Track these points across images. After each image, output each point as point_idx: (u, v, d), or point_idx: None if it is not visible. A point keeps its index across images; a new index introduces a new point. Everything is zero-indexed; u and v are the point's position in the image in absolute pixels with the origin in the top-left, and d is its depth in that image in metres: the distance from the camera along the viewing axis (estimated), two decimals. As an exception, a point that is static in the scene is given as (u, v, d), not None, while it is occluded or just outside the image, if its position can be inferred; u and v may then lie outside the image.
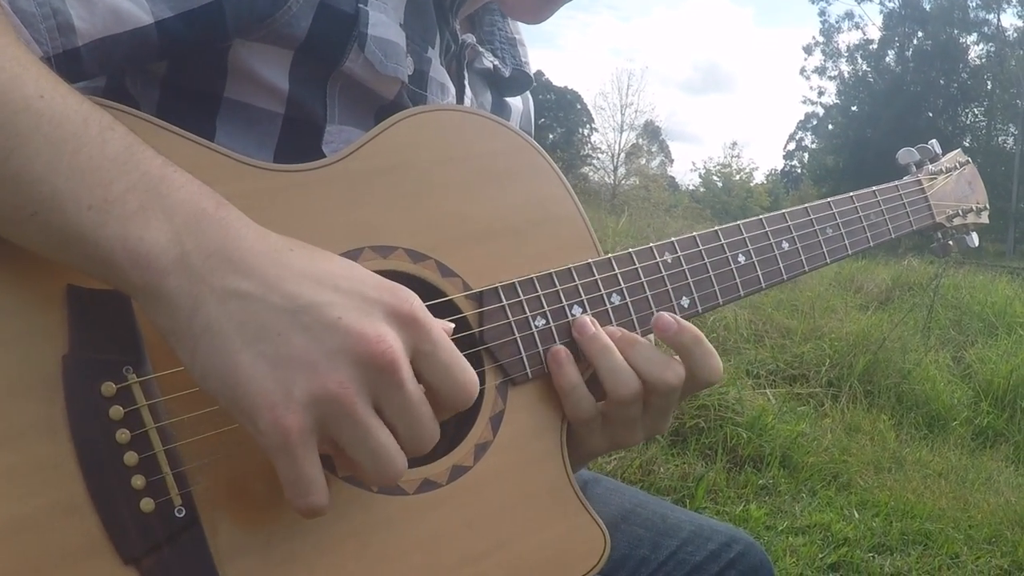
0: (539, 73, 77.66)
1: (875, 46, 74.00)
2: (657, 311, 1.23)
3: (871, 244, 1.58)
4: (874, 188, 1.61)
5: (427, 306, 1.01)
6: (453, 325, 0.99)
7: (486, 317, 1.14)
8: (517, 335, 1.15)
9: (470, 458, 1.11)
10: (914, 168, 1.78)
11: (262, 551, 0.96)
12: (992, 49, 68.26)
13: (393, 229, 1.10)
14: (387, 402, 0.88)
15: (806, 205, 1.48)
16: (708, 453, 5.34)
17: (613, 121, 75.83)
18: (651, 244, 1.28)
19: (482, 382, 1.12)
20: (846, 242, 1.51)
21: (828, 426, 6.30)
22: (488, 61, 1.51)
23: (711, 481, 4.98)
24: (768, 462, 5.37)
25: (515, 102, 1.63)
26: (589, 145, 78.57)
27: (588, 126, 79.48)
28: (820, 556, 4.37)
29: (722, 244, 1.35)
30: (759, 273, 1.38)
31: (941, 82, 70.22)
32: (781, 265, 1.41)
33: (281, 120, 1.21)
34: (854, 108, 74.27)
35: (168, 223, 0.85)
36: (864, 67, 74.90)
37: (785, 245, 1.42)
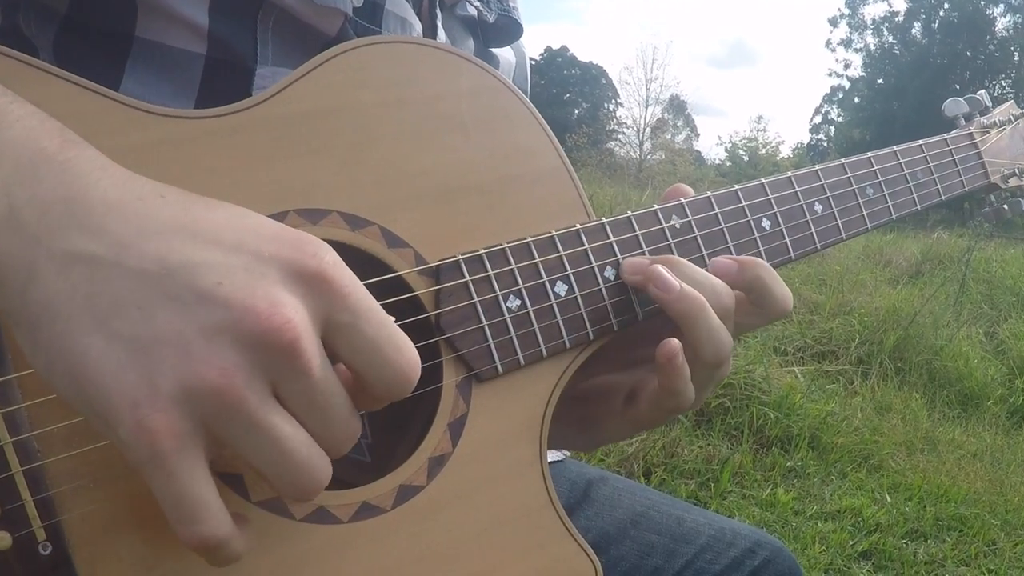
0: (563, 48, 78.74)
1: (901, 18, 73.78)
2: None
3: (918, 207, 1.35)
4: (920, 142, 1.39)
5: (370, 284, 0.80)
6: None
7: (444, 297, 0.92)
8: (484, 320, 0.94)
9: (422, 475, 0.89)
10: (962, 121, 1.56)
11: (154, 597, 0.75)
12: (1020, 20, 67.88)
13: (326, 188, 0.89)
14: (289, 392, 0.66)
15: (842, 161, 1.26)
16: (734, 434, 5.19)
17: (638, 96, 76.01)
18: (655, 206, 1.06)
19: (439, 379, 0.91)
20: (889, 204, 1.29)
21: (858, 405, 6.14)
22: (472, 6, 1.29)
23: (737, 464, 4.81)
24: (796, 443, 5.21)
25: (504, 53, 1.41)
26: (615, 120, 78.83)
27: (613, 101, 79.88)
28: (851, 543, 4.23)
29: (743, 207, 1.13)
30: (787, 241, 1.16)
31: (968, 54, 69.87)
32: (814, 231, 1.19)
33: (203, 62, 1.00)
34: (880, 81, 74.09)
35: None
36: (890, 39, 74.68)
37: (818, 208, 1.20)
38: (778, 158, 73.32)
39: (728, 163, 75.77)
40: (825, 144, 77.80)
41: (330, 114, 0.91)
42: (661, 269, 0.99)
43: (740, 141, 76.85)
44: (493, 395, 0.94)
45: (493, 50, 1.37)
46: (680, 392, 1.00)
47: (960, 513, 4.68)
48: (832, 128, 79.40)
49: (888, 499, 4.77)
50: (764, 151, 74.32)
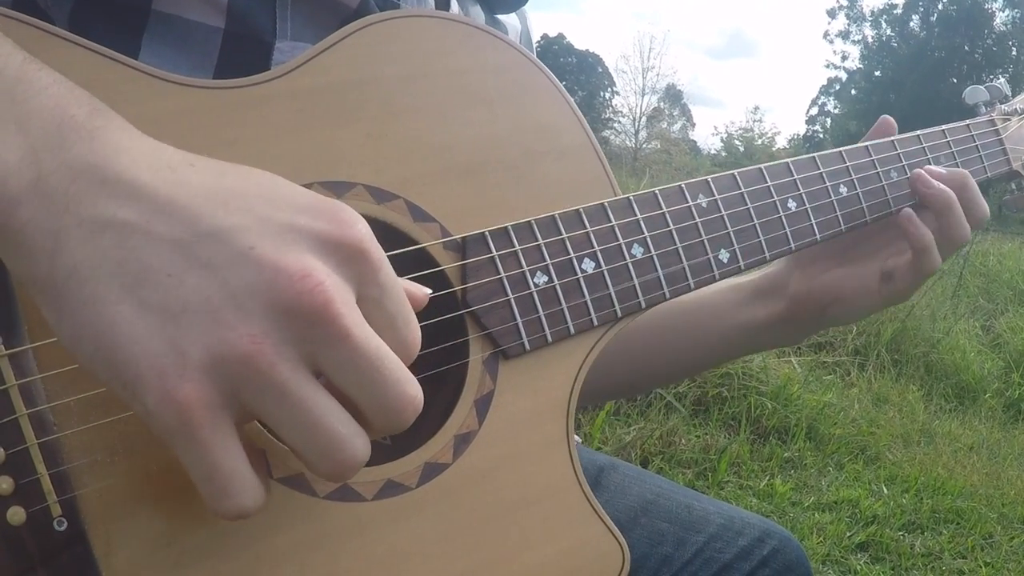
0: (560, 36, 78.70)
1: (899, 11, 74.00)
2: (690, 263, 1.00)
3: None
4: (943, 127, 1.38)
5: (394, 256, 0.78)
6: (430, 291, 0.75)
7: (471, 272, 0.90)
8: (511, 295, 0.92)
9: (448, 453, 0.87)
10: (983, 109, 1.54)
11: (170, 574, 0.73)
12: (1018, 15, 68.03)
13: (351, 161, 0.86)
14: (331, 362, 0.63)
15: (866, 144, 1.24)
16: (731, 424, 5.16)
17: (635, 85, 76.29)
18: (681, 183, 1.04)
19: (465, 355, 0.89)
20: None
21: (855, 396, 6.12)
22: None
23: (734, 453, 4.78)
24: (794, 434, 5.18)
25: (510, 20, 1.39)
26: (610, 108, 78.96)
27: (609, 89, 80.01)
28: (848, 534, 4.20)
29: (768, 187, 1.11)
30: (813, 222, 1.14)
31: (966, 48, 69.99)
32: (839, 213, 1.17)
33: (221, 36, 0.97)
34: (877, 73, 74.25)
35: (22, 136, 0.61)
36: (888, 32, 74.85)
37: (843, 190, 1.18)
38: (774, 149, 73.49)
39: (723, 153, 75.94)
40: (821, 136, 77.93)
41: (355, 87, 0.88)
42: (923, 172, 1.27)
43: (736, 131, 77.09)
44: (520, 372, 0.93)
45: (499, 17, 1.35)
46: (928, 248, 1.21)
47: (957, 506, 4.66)
48: (828, 120, 79.58)
49: (885, 491, 4.74)
50: (760, 142, 74.50)
